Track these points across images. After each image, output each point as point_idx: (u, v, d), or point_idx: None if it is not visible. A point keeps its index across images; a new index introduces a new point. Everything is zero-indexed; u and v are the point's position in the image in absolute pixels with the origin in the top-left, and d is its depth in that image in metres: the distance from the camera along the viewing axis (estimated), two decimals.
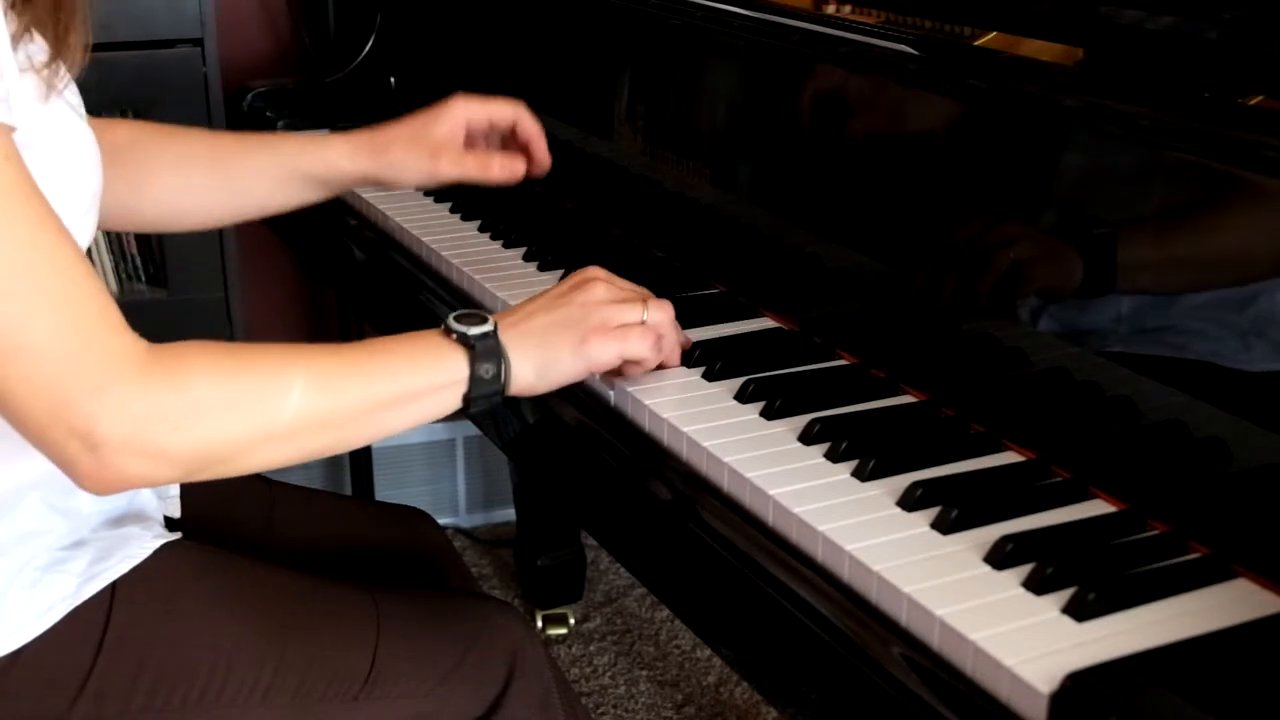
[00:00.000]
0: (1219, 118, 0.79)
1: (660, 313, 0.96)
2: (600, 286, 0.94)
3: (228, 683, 0.94)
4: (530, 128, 1.16)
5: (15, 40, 0.83)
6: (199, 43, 1.75)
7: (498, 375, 0.89)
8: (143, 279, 1.86)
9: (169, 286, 1.82)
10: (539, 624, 2.05)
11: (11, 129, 0.78)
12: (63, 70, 0.89)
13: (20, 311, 0.75)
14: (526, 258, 1.27)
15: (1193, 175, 0.80)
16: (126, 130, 1.16)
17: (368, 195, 1.48)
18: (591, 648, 2.03)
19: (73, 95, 0.94)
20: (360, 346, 0.89)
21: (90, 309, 0.78)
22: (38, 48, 0.88)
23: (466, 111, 1.14)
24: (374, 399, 0.86)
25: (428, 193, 1.48)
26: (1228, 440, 0.77)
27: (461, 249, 1.30)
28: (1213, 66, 0.85)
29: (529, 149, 1.16)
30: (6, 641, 0.90)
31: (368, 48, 1.85)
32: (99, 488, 0.79)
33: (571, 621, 2.05)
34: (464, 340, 0.88)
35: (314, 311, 2.24)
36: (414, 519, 1.28)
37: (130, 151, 1.14)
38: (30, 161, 0.79)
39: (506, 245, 1.31)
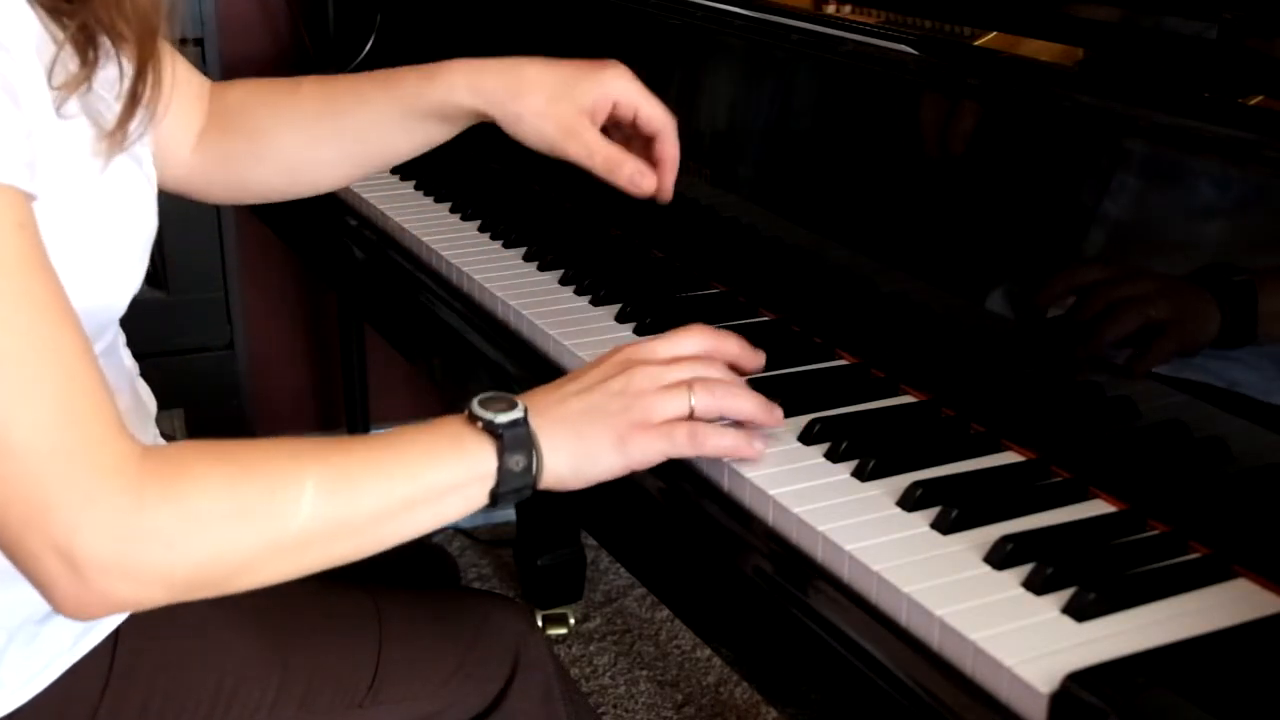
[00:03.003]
0: (1219, 118, 0.79)
1: (708, 397, 0.84)
2: (640, 373, 0.84)
3: (234, 700, 0.93)
4: (669, 149, 1.01)
5: (72, 89, 0.77)
6: (199, 42, 1.75)
7: (529, 468, 0.80)
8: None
9: (169, 287, 1.82)
10: (539, 624, 2.05)
11: (31, 197, 0.71)
12: (135, 127, 0.82)
13: (5, 402, 0.67)
14: (527, 258, 1.27)
15: (1193, 175, 0.80)
16: (238, 93, 1.10)
17: (367, 195, 1.48)
18: (591, 648, 2.03)
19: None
20: (374, 441, 0.79)
21: (85, 406, 0.69)
22: (105, 104, 0.82)
23: (621, 92, 0.99)
24: (393, 500, 0.77)
25: (428, 192, 1.48)
26: (1228, 440, 0.77)
27: (462, 249, 1.30)
28: (1213, 66, 0.85)
29: (659, 169, 1.01)
30: (9, 700, 0.87)
31: (368, 48, 1.85)
32: (78, 610, 0.70)
33: (571, 621, 2.05)
34: (490, 429, 0.79)
35: (313, 312, 2.24)
36: (419, 547, 1.28)
37: (241, 116, 1.08)
38: (78, 217, 0.75)
39: (507, 245, 1.31)
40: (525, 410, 0.81)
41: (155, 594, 0.71)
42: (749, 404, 0.87)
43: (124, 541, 0.68)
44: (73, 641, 0.90)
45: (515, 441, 0.79)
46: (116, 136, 0.81)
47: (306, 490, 0.74)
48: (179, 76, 1.00)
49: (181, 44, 1.76)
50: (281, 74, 1.95)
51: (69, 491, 0.67)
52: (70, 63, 0.78)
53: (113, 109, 0.82)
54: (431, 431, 0.80)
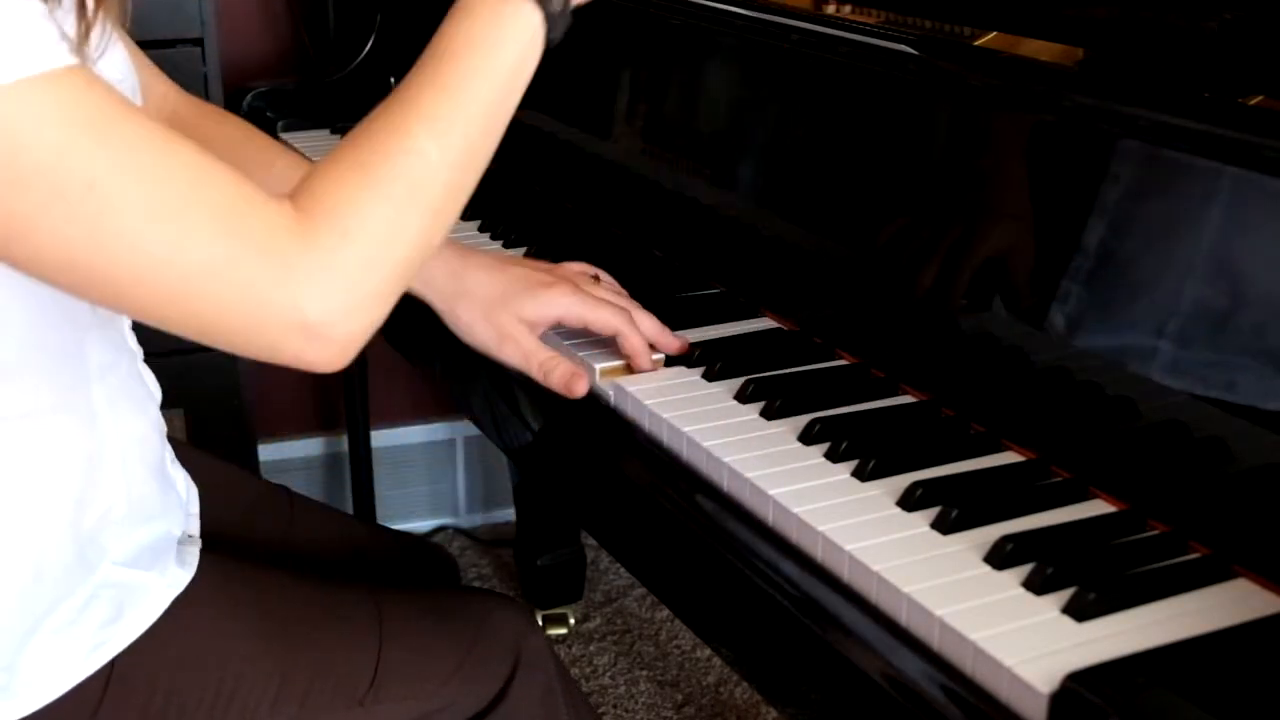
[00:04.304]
0: (1219, 118, 0.79)
1: None
2: None
3: (236, 695, 0.93)
4: (630, 344, 1.01)
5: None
6: (199, 43, 1.75)
7: (565, 6, 0.83)
8: None
9: None
10: (539, 624, 2.05)
11: (83, 67, 0.72)
12: (97, 38, 0.83)
13: (179, 234, 0.71)
14: (526, 257, 1.27)
15: (1192, 176, 0.80)
16: (210, 127, 1.11)
17: None
18: (591, 648, 2.03)
19: (113, 69, 0.89)
20: (436, 60, 0.80)
21: (232, 197, 0.73)
22: (69, 22, 0.82)
23: (565, 310, 1.01)
24: (487, 104, 0.80)
25: None
26: (1228, 440, 0.77)
27: None
28: (1213, 66, 0.85)
29: (632, 359, 1.02)
30: (11, 709, 0.87)
31: (368, 48, 1.85)
32: (336, 362, 0.76)
33: (571, 621, 2.05)
34: None
35: None
36: (413, 543, 1.28)
37: (238, 154, 1.08)
38: None
39: (507, 245, 1.31)
40: None
41: (382, 309, 0.76)
42: None
43: (340, 291, 0.73)
44: (85, 655, 0.89)
45: None
46: (83, 50, 0.81)
47: (430, 153, 0.77)
48: (141, 77, 1.00)
49: (181, 44, 1.77)
50: (283, 74, 1.97)
51: (270, 280, 0.72)
52: None
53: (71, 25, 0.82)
54: (471, 17, 0.81)
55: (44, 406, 0.87)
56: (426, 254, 0.79)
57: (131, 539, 0.94)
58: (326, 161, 0.78)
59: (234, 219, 0.72)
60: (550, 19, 0.82)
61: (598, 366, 1.02)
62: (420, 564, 1.26)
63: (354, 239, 0.74)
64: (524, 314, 1.01)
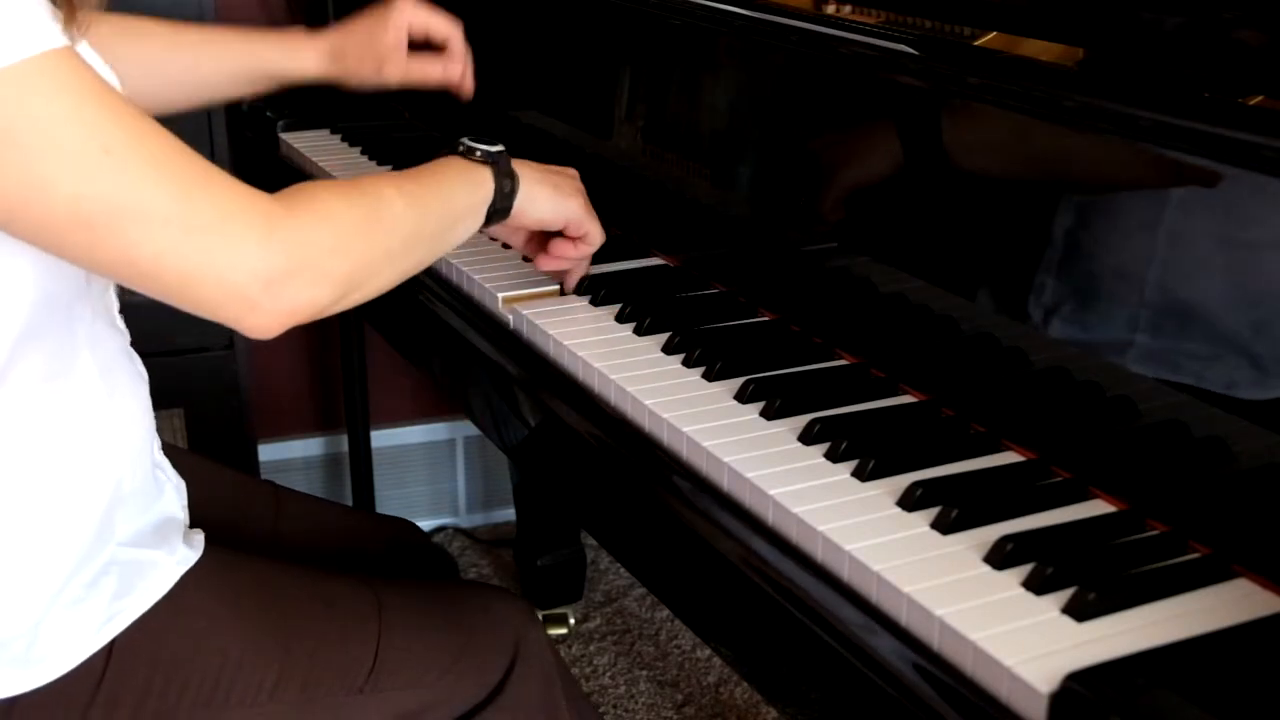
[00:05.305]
0: (1219, 118, 0.79)
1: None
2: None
3: (236, 681, 0.94)
4: (459, 48, 1.30)
5: None
6: None
7: (512, 191, 1.03)
8: None
9: None
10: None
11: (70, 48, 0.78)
12: (80, 19, 0.86)
13: (182, 191, 0.79)
14: (526, 257, 1.27)
15: (1193, 176, 0.80)
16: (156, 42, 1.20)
17: None
18: (591, 648, 2.03)
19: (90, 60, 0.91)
20: (410, 173, 0.98)
21: (219, 176, 0.82)
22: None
23: (410, 19, 1.27)
24: (445, 214, 0.98)
25: None
26: (1228, 440, 0.77)
27: (461, 248, 1.29)
28: (1213, 66, 0.85)
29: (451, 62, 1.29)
30: (25, 679, 0.88)
31: None
32: (271, 323, 0.84)
33: (571, 621, 2.05)
34: (486, 158, 1.02)
35: None
36: (407, 530, 1.29)
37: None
38: None
39: (506, 244, 1.31)
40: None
41: (326, 294, 0.86)
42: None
43: (304, 252, 0.84)
44: (97, 628, 0.90)
45: (505, 167, 1.03)
46: (69, 31, 0.84)
47: (398, 206, 0.92)
48: None
49: None
50: None
51: (253, 237, 0.81)
52: None
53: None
54: (444, 166, 1.01)
55: (56, 370, 0.89)
56: (370, 282, 0.90)
57: (135, 522, 0.95)
58: (318, 181, 0.90)
59: (218, 180, 0.82)
60: (498, 193, 1.02)
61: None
62: (420, 563, 1.26)
63: (330, 223, 0.86)
64: (386, 42, 1.28)
